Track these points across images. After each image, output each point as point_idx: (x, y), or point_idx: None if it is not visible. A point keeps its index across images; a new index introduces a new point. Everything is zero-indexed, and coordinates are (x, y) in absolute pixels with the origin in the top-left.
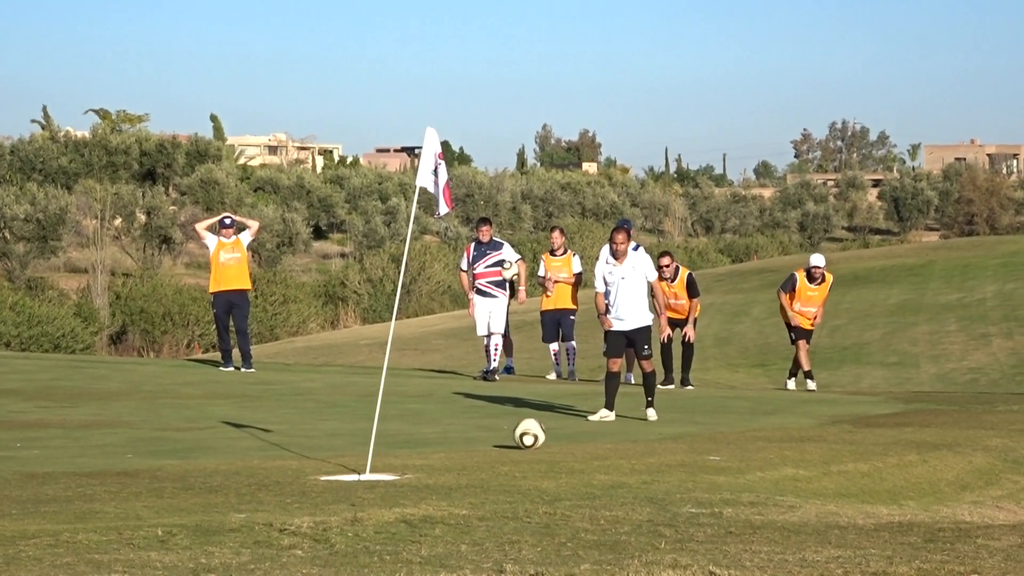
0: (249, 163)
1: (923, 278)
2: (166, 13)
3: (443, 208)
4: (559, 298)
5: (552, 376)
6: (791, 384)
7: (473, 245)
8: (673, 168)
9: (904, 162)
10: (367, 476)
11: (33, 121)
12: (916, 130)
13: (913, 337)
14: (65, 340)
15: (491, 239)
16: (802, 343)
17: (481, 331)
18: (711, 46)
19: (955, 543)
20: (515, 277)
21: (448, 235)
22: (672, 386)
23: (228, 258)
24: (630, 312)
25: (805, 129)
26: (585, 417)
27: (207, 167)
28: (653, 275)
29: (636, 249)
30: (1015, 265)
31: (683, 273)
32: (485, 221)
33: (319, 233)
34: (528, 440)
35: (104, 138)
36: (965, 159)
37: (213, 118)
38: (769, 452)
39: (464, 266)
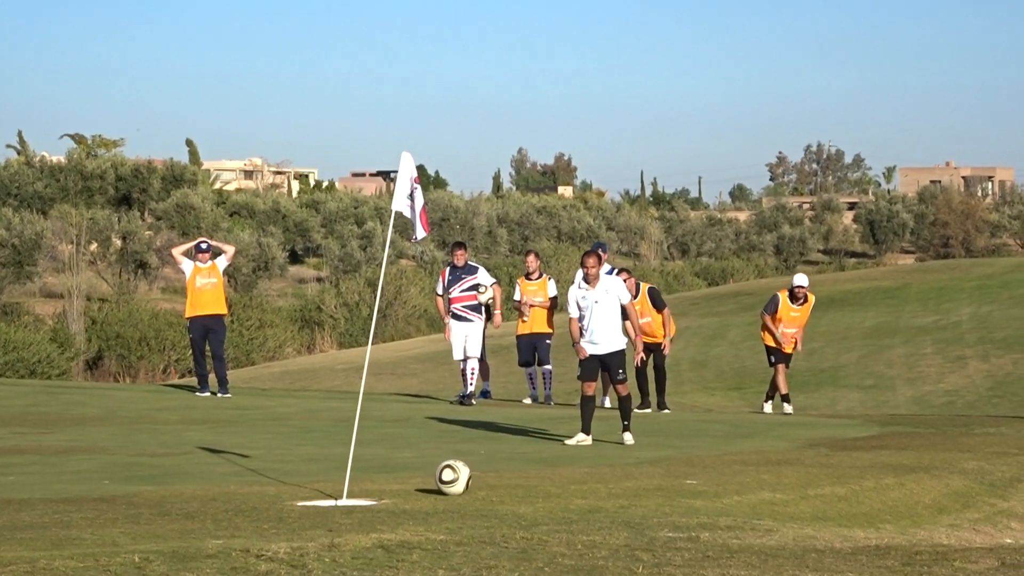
0: (225, 188)
1: (899, 301)
2: (141, 38)
3: (419, 232)
4: (535, 322)
5: (528, 400)
6: (768, 407)
7: (448, 269)
8: (649, 191)
9: (879, 185)
10: (344, 501)
11: (8, 146)
12: (891, 153)
13: (889, 360)
14: (41, 366)
15: (466, 263)
16: (780, 367)
17: (457, 355)
18: (686, 69)
19: (932, 566)
20: (491, 301)
21: (424, 259)
22: (649, 410)
23: (204, 283)
24: (604, 336)
25: (780, 152)
26: (562, 441)
27: (183, 192)
28: (627, 297)
29: (610, 272)
30: (990, 288)
31: (644, 288)
32: (460, 245)
33: (295, 257)
34: (448, 475)
35: (80, 163)
36: (940, 182)
37: (188, 143)
38: (746, 476)
39: (440, 290)
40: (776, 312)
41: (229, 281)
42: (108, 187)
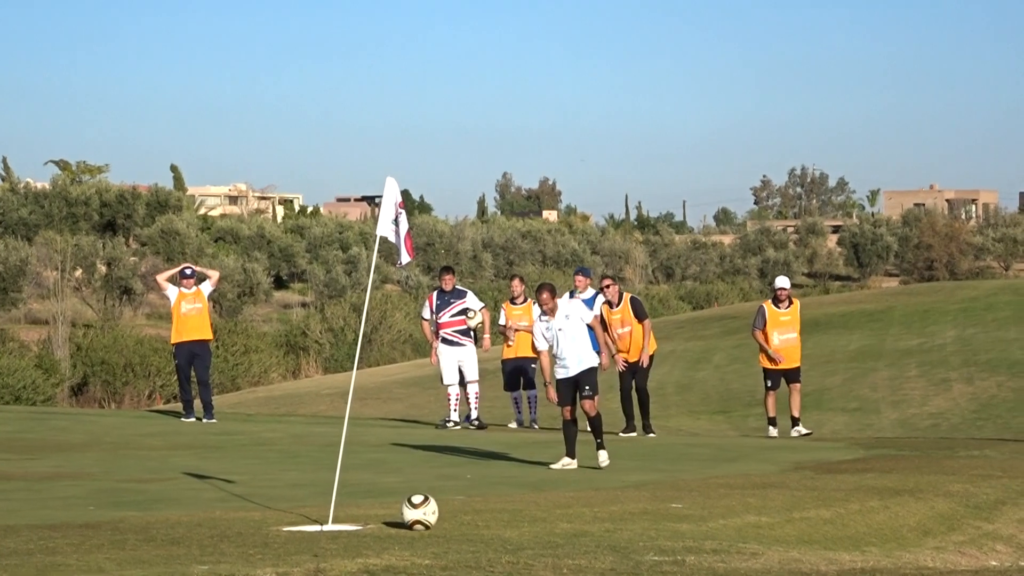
0: (209, 213)
1: (883, 324)
2: (126, 64)
3: (404, 257)
4: (520, 347)
5: (513, 424)
6: (772, 431)
7: (436, 294)
8: (633, 215)
9: (863, 208)
10: (330, 526)
11: None
12: (875, 176)
13: (874, 383)
14: (26, 392)
15: (454, 287)
16: (772, 395)
17: (448, 380)
18: (670, 94)
19: None
20: (479, 325)
21: (409, 284)
22: (634, 434)
23: (189, 308)
24: (574, 358)
25: (764, 176)
26: (547, 466)
27: (167, 218)
28: (589, 316)
29: (595, 296)
30: (975, 310)
31: (626, 297)
32: (448, 270)
33: (280, 283)
34: (417, 498)
35: (64, 189)
36: (924, 205)
37: (173, 168)
38: (731, 499)
39: (427, 315)
40: (765, 324)
41: (214, 307)
42: (93, 213)
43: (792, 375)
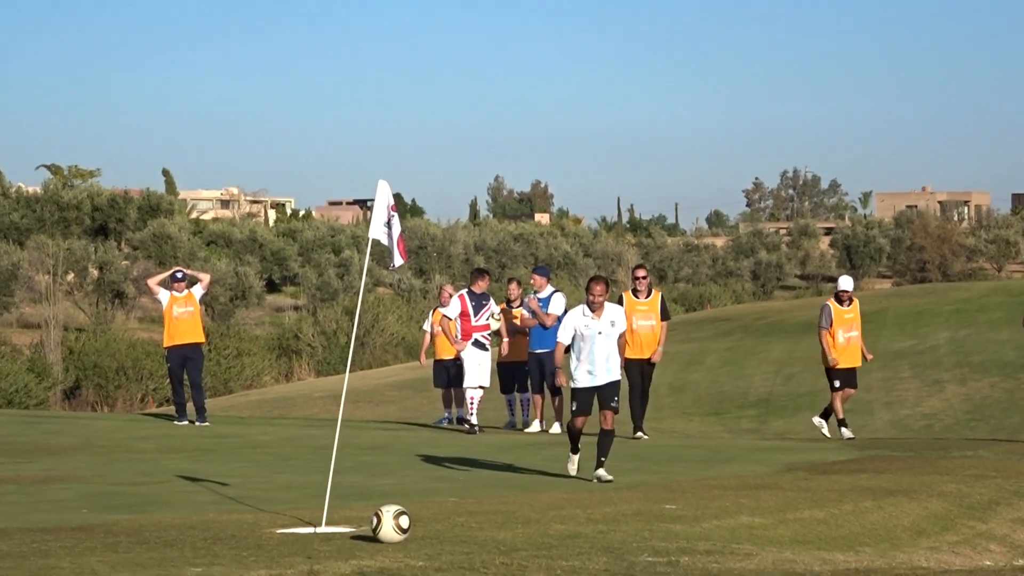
0: (201, 217)
1: (876, 325)
2: (117, 68)
3: (397, 260)
4: (516, 349)
5: (507, 427)
6: (821, 423)
7: (468, 295)
8: (626, 218)
9: (856, 210)
10: (323, 529)
11: None
12: (867, 178)
13: (867, 384)
14: (18, 395)
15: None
16: (839, 395)
17: (476, 382)
18: (662, 96)
19: None
20: (499, 328)
21: (402, 287)
22: (647, 437)
23: (181, 312)
24: (603, 368)
25: (757, 178)
26: (541, 472)
27: (159, 222)
28: (624, 328)
29: (554, 293)
30: (968, 312)
31: (656, 293)
32: (484, 273)
33: (272, 286)
34: (404, 521)
35: (56, 193)
36: (916, 206)
37: (165, 172)
38: (725, 500)
39: (453, 314)
40: (831, 324)
41: (206, 310)
42: (84, 217)
43: (851, 378)
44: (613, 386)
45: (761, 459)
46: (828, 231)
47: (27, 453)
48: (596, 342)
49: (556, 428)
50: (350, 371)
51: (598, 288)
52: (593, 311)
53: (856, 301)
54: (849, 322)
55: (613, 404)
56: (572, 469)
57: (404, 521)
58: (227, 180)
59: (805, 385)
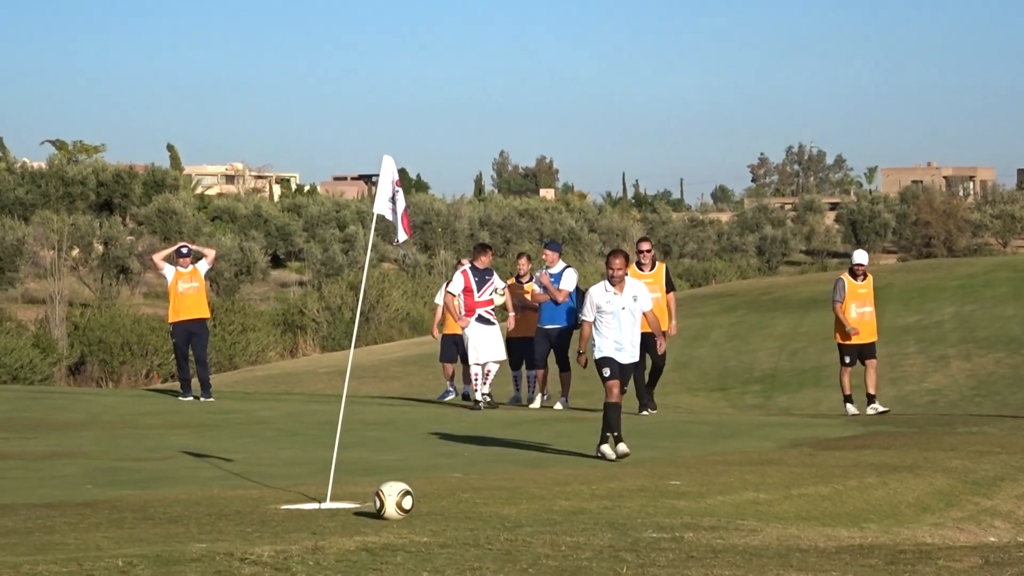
0: (206, 192)
1: (881, 300)
2: (122, 43)
3: (401, 235)
4: (524, 325)
5: (512, 402)
6: (851, 408)
7: (471, 270)
8: (631, 193)
9: (861, 185)
10: (328, 504)
11: None
12: (873, 153)
13: None
14: (23, 371)
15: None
16: (848, 370)
17: (482, 358)
18: (668, 71)
19: (916, 565)
20: (504, 303)
21: (407, 262)
22: (653, 411)
23: (186, 287)
24: (631, 344)
25: (762, 153)
26: (601, 455)
27: (164, 197)
28: (649, 306)
29: (565, 270)
30: (973, 287)
31: (660, 265)
32: (486, 248)
33: (277, 262)
34: (407, 502)
35: (61, 169)
36: (922, 182)
37: (170, 148)
38: (730, 476)
39: (456, 290)
40: (845, 297)
41: (211, 286)
42: (89, 192)
43: (868, 351)
44: (632, 370)
45: (766, 435)
46: (833, 206)
47: (32, 429)
48: (620, 317)
49: (559, 405)
50: (355, 347)
51: (617, 262)
52: (614, 285)
53: (871, 276)
54: (863, 297)
55: (625, 388)
56: (613, 452)
57: (407, 502)
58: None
59: (810, 360)
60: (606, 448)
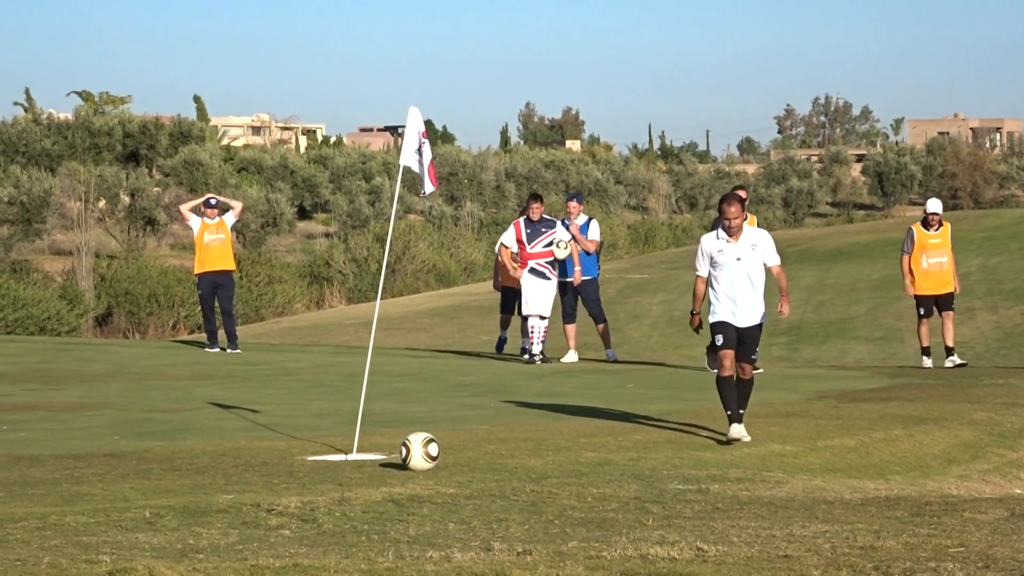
0: (232, 144)
1: None
2: None
3: (428, 187)
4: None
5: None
6: (927, 362)
7: (523, 222)
8: (657, 145)
9: (887, 137)
10: (354, 456)
11: (16, 103)
12: (899, 105)
13: (898, 312)
14: (51, 323)
15: (542, 216)
16: (925, 322)
17: (534, 310)
18: (694, 22)
19: (942, 517)
20: (568, 257)
21: (433, 214)
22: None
23: (212, 239)
24: (747, 304)
25: (788, 105)
26: (725, 441)
27: (190, 148)
28: (775, 260)
29: (588, 222)
30: (999, 239)
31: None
32: (537, 198)
33: (303, 213)
34: (433, 449)
35: (87, 120)
36: (948, 133)
37: (196, 99)
38: (755, 428)
39: (508, 242)
40: (913, 249)
41: (238, 237)
42: (116, 144)
43: (945, 302)
44: (756, 331)
45: (792, 387)
46: (859, 158)
47: (59, 380)
48: (735, 270)
49: (570, 356)
50: (381, 298)
51: (732, 209)
52: (730, 235)
53: (947, 225)
54: (936, 247)
55: (754, 358)
56: (739, 432)
57: (433, 448)
58: (258, 107)
59: (836, 312)
60: (735, 429)
